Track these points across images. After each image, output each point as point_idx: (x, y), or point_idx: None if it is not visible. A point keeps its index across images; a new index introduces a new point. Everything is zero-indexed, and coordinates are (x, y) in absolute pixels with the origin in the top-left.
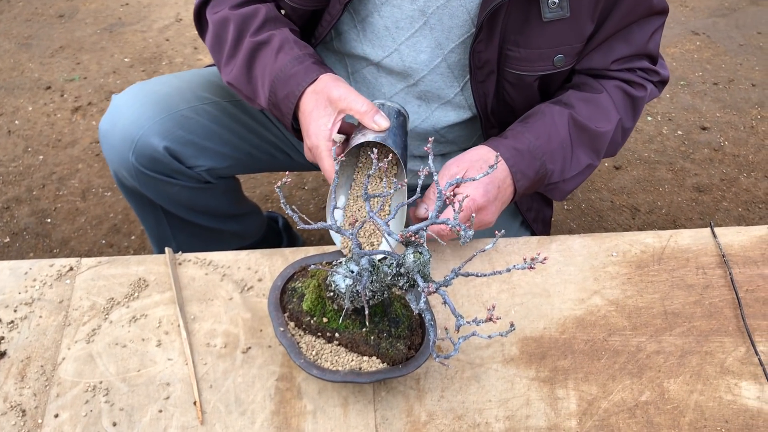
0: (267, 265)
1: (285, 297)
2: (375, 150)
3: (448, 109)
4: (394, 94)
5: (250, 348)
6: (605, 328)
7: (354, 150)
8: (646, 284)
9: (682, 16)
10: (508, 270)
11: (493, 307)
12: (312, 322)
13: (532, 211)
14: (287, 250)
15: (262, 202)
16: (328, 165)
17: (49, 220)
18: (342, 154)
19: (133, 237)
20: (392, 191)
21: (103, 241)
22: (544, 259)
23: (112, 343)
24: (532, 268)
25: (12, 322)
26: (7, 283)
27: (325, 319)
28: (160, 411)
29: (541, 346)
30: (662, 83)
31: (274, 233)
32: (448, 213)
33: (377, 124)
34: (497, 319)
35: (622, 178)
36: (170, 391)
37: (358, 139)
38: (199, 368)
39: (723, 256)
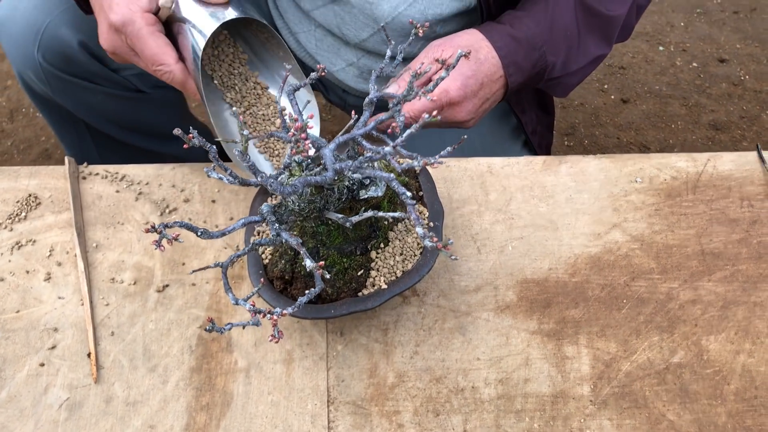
0: (197, 183)
1: None
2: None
3: None
4: None
5: (167, 286)
6: (627, 270)
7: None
8: (679, 217)
9: None
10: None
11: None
12: None
13: (537, 135)
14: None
15: None
16: (155, 46)
17: None
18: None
19: None
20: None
21: None
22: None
23: None
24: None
25: None
26: None
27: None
28: (42, 365)
29: (546, 291)
30: None
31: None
32: (417, 104)
33: None
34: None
35: (630, 112)
36: (58, 339)
37: (204, 22)
38: (98, 310)
39: None
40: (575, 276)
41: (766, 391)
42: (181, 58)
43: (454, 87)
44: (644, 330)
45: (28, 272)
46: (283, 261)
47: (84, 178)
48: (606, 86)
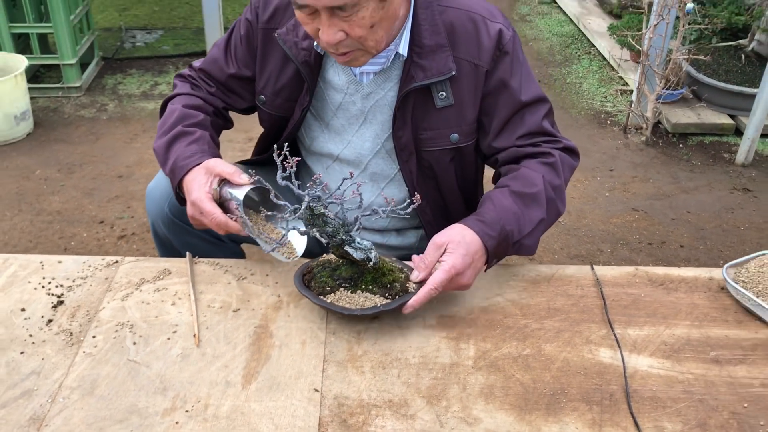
0: (258, 265)
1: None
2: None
3: (393, 186)
4: (355, 178)
5: (239, 309)
6: (502, 313)
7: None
8: (537, 292)
9: (624, 198)
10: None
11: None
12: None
13: None
14: (275, 261)
15: None
16: (210, 207)
17: None
18: (240, 215)
19: None
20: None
21: None
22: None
23: (140, 302)
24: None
25: (70, 286)
26: (70, 266)
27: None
28: (168, 338)
29: (453, 321)
30: (569, 150)
31: None
32: (439, 276)
33: (242, 179)
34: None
35: None
36: (177, 328)
37: (238, 192)
38: (199, 318)
39: (597, 279)
40: (471, 315)
41: (575, 369)
42: (228, 212)
43: (458, 262)
44: (508, 339)
45: (162, 301)
46: (314, 271)
47: (196, 263)
48: None
